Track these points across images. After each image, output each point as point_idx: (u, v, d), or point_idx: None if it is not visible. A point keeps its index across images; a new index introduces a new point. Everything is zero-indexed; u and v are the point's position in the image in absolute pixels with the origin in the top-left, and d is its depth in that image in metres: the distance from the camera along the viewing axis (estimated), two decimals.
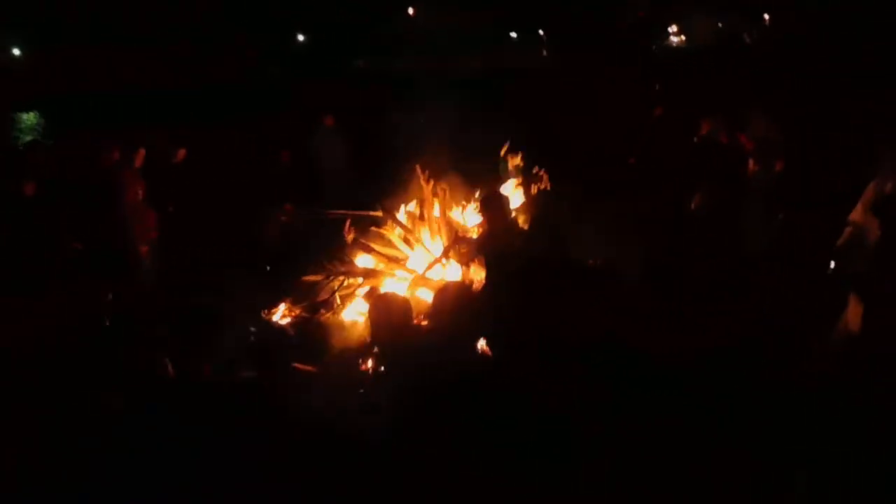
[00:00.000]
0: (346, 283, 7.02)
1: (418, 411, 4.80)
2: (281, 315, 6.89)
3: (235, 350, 6.11)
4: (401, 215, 7.55)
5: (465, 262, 6.78)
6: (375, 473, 4.33)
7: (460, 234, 7.08)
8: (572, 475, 4.23)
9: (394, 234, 7.31)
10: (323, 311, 6.84)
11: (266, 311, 6.90)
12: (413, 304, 6.41)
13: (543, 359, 4.93)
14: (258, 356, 6.01)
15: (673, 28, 48.19)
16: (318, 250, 7.66)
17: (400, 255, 7.23)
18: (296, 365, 5.83)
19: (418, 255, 7.16)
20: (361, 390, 5.37)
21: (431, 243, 7.17)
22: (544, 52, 42.28)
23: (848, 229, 5.08)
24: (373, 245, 7.23)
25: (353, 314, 6.74)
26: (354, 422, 4.83)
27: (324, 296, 7.03)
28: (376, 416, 4.93)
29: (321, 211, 8.30)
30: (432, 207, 7.23)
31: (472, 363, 5.43)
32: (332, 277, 7.09)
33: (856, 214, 5.02)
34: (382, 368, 5.64)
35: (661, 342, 5.46)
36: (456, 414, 4.77)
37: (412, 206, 7.53)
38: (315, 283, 7.22)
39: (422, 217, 7.37)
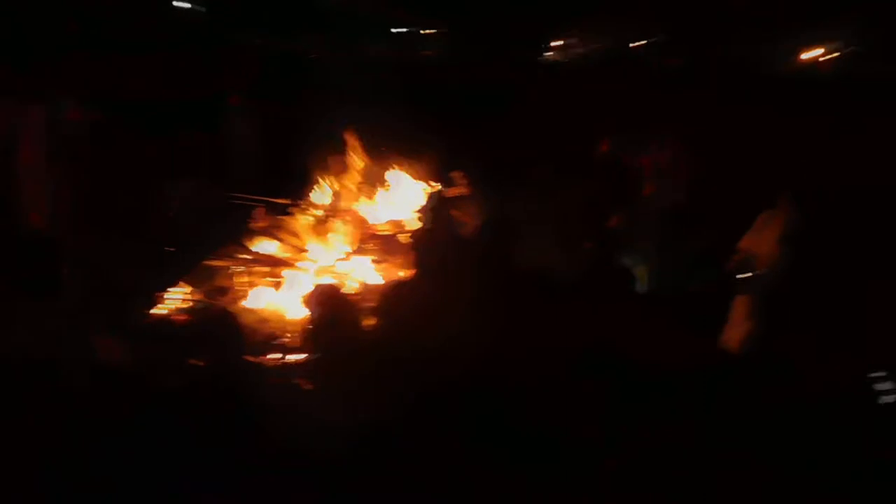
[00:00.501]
0: (249, 271, 6.92)
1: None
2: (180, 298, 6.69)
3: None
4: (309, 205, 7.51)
5: (382, 259, 6.90)
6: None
7: (371, 231, 7.16)
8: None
9: (302, 224, 7.24)
10: (221, 297, 6.71)
11: (164, 291, 6.69)
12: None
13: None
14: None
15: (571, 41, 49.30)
16: (223, 234, 7.50)
17: (305, 246, 7.20)
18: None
19: (326, 248, 7.16)
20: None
21: (341, 236, 7.17)
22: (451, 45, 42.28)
23: (735, 256, 5.55)
24: (280, 234, 7.16)
25: (258, 302, 6.64)
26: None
27: (224, 282, 6.90)
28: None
29: (227, 194, 8.07)
30: (344, 200, 7.24)
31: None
32: (234, 264, 6.97)
33: (745, 242, 5.51)
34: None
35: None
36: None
37: (323, 196, 7.51)
38: (216, 268, 7.06)
39: (332, 209, 7.38)
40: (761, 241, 5.44)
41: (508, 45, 28.77)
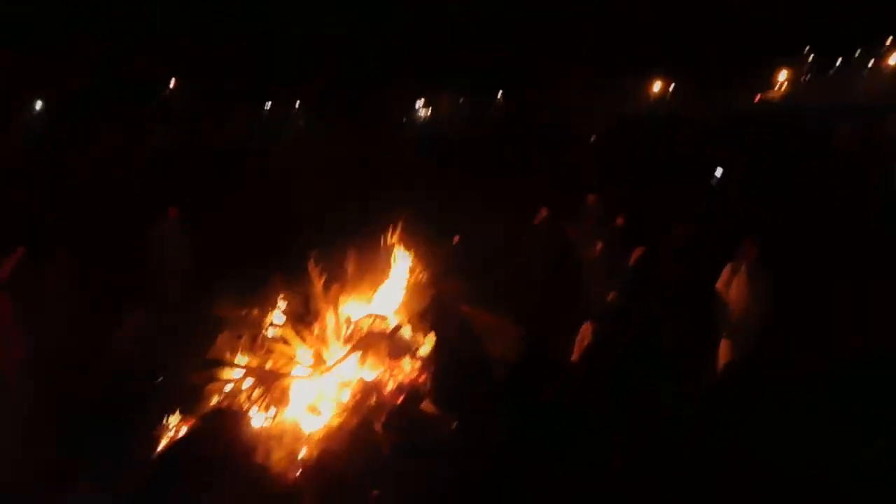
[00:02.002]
0: (245, 387, 6.83)
1: None
2: (176, 427, 6.50)
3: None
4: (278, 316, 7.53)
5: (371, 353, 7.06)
6: None
7: (359, 330, 7.31)
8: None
9: (290, 332, 7.25)
10: (222, 420, 6.58)
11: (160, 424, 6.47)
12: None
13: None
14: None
15: (420, 101, 51.36)
16: (188, 355, 7.36)
17: (295, 354, 7.21)
18: None
19: (314, 353, 7.20)
20: None
21: (331, 340, 7.25)
22: (301, 123, 42.64)
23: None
24: (267, 345, 7.14)
25: (263, 418, 6.56)
26: None
27: (220, 401, 6.77)
28: None
29: (192, 314, 7.93)
30: (328, 303, 7.34)
31: None
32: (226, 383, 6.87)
33: (720, 283, 6.24)
34: None
35: None
36: None
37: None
38: (201, 389, 6.92)
39: (314, 314, 7.46)
40: (731, 287, 6.19)
41: None
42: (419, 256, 8.32)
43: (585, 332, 5.94)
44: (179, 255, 9.46)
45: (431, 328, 5.57)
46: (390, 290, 8.19)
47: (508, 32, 37.54)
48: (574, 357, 5.73)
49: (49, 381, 6.82)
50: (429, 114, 47.62)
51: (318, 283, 7.40)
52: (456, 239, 9.44)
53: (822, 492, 4.42)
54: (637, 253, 7.32)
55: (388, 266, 8.29)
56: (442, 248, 8.67)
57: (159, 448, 6.25)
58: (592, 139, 16.18)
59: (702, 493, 4.54)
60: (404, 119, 42.05)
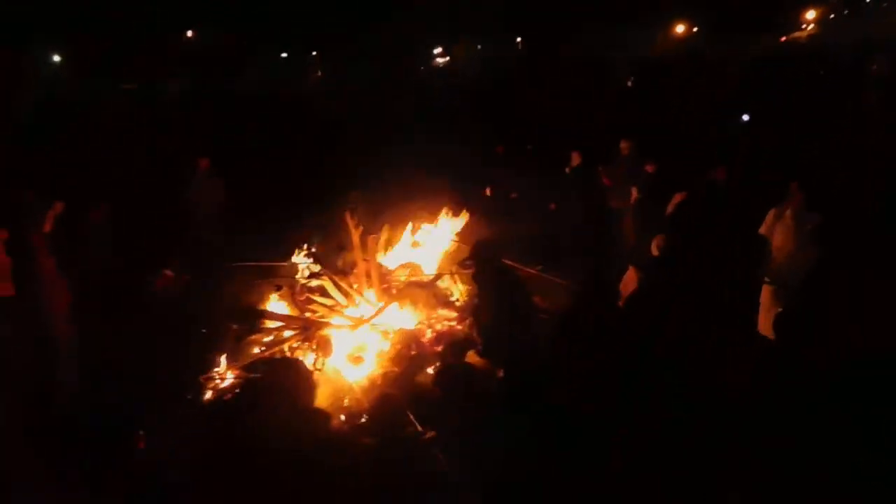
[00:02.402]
0: (287, 336, 6.94)
1: None
2: (221, 377, 6.63)
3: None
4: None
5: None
6: None
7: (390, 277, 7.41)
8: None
9: (329, 282, 7.32)
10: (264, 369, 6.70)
11: (204, 376, 6.60)
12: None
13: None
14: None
15: (438, 49, 50.74)
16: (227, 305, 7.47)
17: (337, 304, 7.30)
18: None
19: (356, 303, 7.29)
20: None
21: (368, 289, 7.32)
22: (319, 73, 42.46)
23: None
24: (306, 296, 7.23)
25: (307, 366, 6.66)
26: None
27: (263, 351, 6.88)
28: None
29: (227, 265, 8.02)
30: (365, 255, 7.38)
31: None
32: (268, 333, 6.98)
33: (764, 228, 6.16)
34: None
35: None
36: None
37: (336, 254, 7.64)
38: (246, 339, 7.04)
39: (351, 264, 7.52)
40: (774, 233, 6.12)
41: None
42: (453, 207, 8.36)
43: (630, 279, 5.92)
44: (212, 205, 9.51)
45: (474, 280, 5.55)
46: (425, 240, 8.25)
47: None
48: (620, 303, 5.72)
49: (93, 328, 6.95)
50: (447, 61, 46.94)
51: (356, 234, 7.43)
52: (488, 190, 9.41)
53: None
54: (676, 199, 7.26)
55: (422, 216, 8.34)
56: (475, 199, 8.65)
57: (207, 396, 6.38)
58: (629, 83, 15.74)
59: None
60: (422, 67, 41.48)
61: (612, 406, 4.96)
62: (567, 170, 9.52)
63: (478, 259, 5.34)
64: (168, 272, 8.48)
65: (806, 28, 39.32)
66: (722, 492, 4.52)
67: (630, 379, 5.09)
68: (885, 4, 36.58)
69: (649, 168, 8.84)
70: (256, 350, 6.94)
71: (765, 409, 4.95)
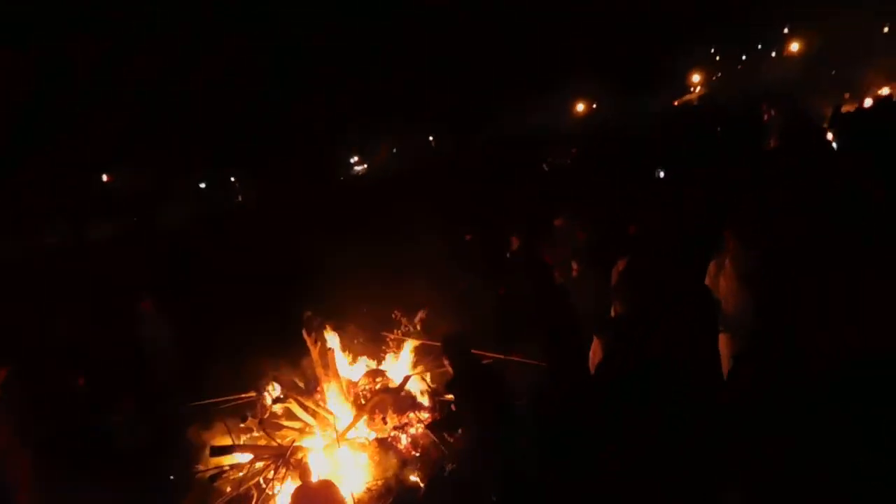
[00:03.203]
0: (259, 467, 6.70)
1: None
2: None
3: None
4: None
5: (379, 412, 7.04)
6: None
7: (363, 390, 7.31)
8: None
9: (294, 404, 7.15)
10: None
11: None
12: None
13: None
14: None
15: (354, 158, 51.42)
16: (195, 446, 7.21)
17: (305, 425, 7.12)
18: None
19: (321, 422, 7.13)
20: None
21: (338, 404, 7.19)
22: (239, 198, 42.40)
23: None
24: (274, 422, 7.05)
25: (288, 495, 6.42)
26: None
27: (233, 490, 6.61)
28: None
29: (186, 404, 7.75)
30: (328, 369, 7.28)
31: None
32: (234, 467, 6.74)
33: (707, 280, 6.42)
34: None
35: None
36: None
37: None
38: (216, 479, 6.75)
39: (314, 381, 7.40)
40: (718, 283, 6.39)
41: None
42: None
43: (596, 348, 6.04)
44: (162, 346, 9.28)
45: (452, 378, 5.54)
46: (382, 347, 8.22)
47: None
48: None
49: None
50: (363, 168, 47.90)
51: (315, 350, 7.36)
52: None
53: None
54: (619, 267, 7.50)
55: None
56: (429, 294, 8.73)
57: None
58: (545, 167, 16.39)
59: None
60: (341, 178, 42.15)
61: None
62: (508, 254, 9.75)
63: (450, 354, 5.37)
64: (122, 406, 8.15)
65: (694, 90, 42.26)
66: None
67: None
68: (767, 60, 39.69)
69: (580, 235, 9.13)
70: (228, 489, 6.70)
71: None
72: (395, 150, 45.17)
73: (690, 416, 5.07)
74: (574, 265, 9.01)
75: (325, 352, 7.34)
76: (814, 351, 5.62)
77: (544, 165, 13.94)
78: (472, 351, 5.80)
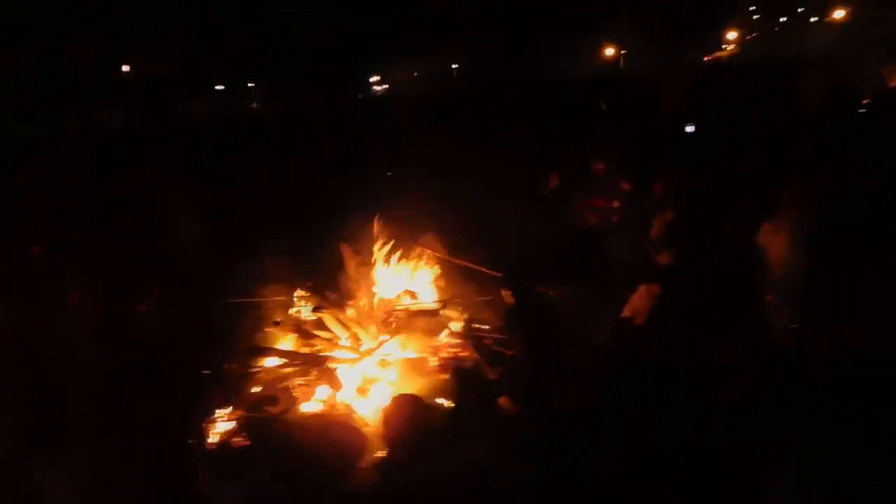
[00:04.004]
0: (289, 372, 6.76)
1: None
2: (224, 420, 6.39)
3: None
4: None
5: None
6: None
7: (395, 309, 7.33)
8: None
9: (329, 315, 7.16)
10: (271, 407, 6.49)
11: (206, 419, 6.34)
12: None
13: None
14: None
15: (375, 77, 50.99)
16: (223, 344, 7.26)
17: (335, 337, 7.16)
18: None
19: (356, 334, 7.16)
20: None
21: (367, 320, 7.21)
22: (254, 104, 42.09)
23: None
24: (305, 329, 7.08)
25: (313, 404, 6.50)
26: None
27: (264, 390, 6.68)
28: None
29: (217, 300, 7.76)
30: (362, 284, 7.28)
31: None
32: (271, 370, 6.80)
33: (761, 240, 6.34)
34: None
35: None
36: None
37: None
38: (239, 377, 6.83)
39: (348, 295, 7.40)
40: (772, 243, 6.31)
41: None
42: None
43: (642, 295, 6.01)
44: (192, 242, 9.21)
45: (510, 309, 5.51)
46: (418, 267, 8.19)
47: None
48: (638, 320, 5.80)
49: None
50: (384, 88, 47.14)
51: (351, 264, 7.34)
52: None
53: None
54: (667, 216, 7.42)
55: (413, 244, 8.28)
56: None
57: (214, 440, 6.14)
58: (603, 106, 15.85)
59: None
60: (360, 95, 41.48)
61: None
62: (544, 191, 9.64)
63: (512, 285, 5.35)
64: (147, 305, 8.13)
65: (726, 48, 41.27)
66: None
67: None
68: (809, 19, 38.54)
69: (625, 186, 9.00)
70: (258, 389, 6.77)
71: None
72: (415, 74, 44.37)
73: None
74: (618, 210, 8.94)
75: (362, 267, 7.34)
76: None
77: (602, 104, 13.49)
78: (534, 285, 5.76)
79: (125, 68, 33.49)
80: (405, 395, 5.86)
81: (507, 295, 5.52)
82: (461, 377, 5.71)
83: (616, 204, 8.91)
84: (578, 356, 5.18)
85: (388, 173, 11.30)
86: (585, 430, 4.99)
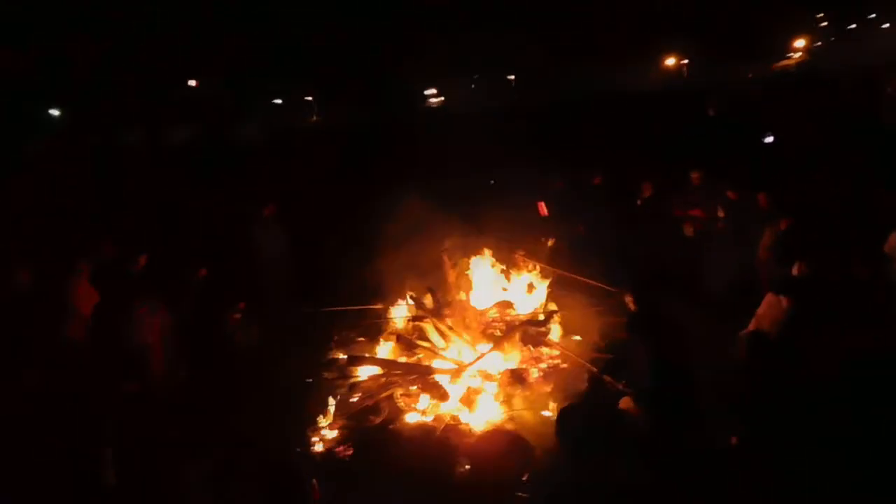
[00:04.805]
0: (390, 382, 6.68)
1: None
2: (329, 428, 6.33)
3: None
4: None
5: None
6: None
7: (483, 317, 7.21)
8: None
9: (429, 325, 7.09)
10: (373, 417, 6.42)
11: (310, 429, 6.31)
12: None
13: None
14: None
15: (432, 91, 51.07)
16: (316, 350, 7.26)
17: (434, 346, 7.06)
18: None
19: (454, 345, 7.06)
20: None
21: (465, 332, 7.09)
22: (314, 118, 42.64)
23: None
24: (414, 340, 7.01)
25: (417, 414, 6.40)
26: None
27: (366, 400, 6.61)
28: None
29: (314, 308, 7.77)
30: (462, 294, 7.18)
31: None
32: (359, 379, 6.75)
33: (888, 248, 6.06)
34: None
35: None
36: None
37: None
38: (339, 387, 6.79)
39: (446, 305, 7.30)
40: None
41: None
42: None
43: (771, 303, 5.74)
44: (281, 253, 9.26)
45: (632, 316, 5.35)
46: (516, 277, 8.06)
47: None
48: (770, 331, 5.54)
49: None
50: (440, 101, 47.22)
51: (452, 273, 7.26)
52: (580, 228, 9.20)
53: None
54: (787, 222, 7.12)
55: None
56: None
57: (321, 447, 6.09)
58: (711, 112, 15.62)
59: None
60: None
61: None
62: (639, 201, 9.42)
63: (640, 301, 5.20)
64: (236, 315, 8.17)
65: (793, 56, 40.13)
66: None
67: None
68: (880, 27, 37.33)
69: (731, 194, 8.69)
70: (358, 398, 6.71)
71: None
72: (473, 86, 44.34)
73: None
74: (720, 221, 8.65)
75: (462, 277, 7.24)
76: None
77: (710, 110, 13.17)
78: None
79: (192, 83, 34.36)
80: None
81: (629, 301, 5.35)
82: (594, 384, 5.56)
83: (720, 213, 8.63)
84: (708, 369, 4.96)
85: (491, 181, 11.18)
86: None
